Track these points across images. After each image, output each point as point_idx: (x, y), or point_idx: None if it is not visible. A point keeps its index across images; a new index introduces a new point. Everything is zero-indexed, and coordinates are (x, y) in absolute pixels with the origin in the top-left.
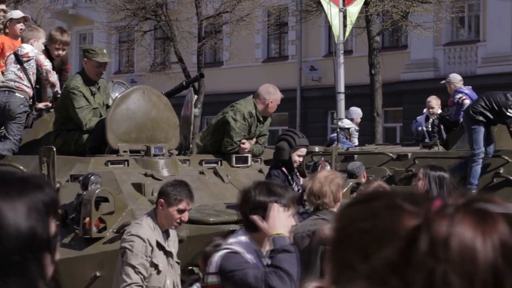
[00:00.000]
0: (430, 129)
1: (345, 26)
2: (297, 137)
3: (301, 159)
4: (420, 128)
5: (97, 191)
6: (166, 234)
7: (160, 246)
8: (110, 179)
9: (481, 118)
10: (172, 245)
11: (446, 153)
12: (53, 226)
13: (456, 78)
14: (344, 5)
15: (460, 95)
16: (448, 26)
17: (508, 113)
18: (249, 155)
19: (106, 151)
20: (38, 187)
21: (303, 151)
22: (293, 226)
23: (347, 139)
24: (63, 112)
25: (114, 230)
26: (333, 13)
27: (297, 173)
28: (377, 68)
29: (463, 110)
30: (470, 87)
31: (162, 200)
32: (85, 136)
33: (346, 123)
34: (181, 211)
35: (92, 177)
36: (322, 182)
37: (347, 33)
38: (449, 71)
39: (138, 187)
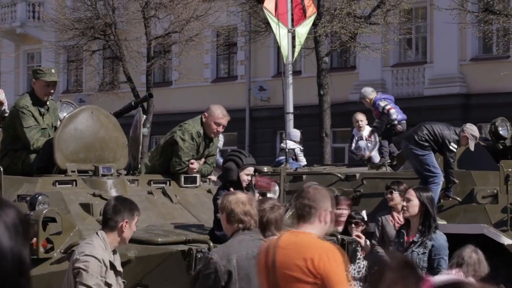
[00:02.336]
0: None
1: (293, 46)
2: (243, 156)
3: (249, 177)
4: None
5: (44, 211)
6: (114, 254)
7: (112, 266)
8: (57, 199)
9: (427, 144)
10: (119, 264)
11: (394, 173)
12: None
13: (368, 91)
14: (292, 26)
15: (382, 103)
16: (396, 48)
17: (450, 147)
18: (198, 175)
19: (54, 171)
20: (12, 208)
21: (250, 170)
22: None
23: (293, 159)
24: (11, 131)
25: (62, 251)
26: (281, 34)
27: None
28: (325, 89)
29: (404, 138)
30: (380, 92)
31: (127, 220)
32: (33, 156)
33: (290, 144)
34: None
35: (40, 197)
36: (246, 202)
37: (295, 54)
38: (397, 92)
39: (86, 207)
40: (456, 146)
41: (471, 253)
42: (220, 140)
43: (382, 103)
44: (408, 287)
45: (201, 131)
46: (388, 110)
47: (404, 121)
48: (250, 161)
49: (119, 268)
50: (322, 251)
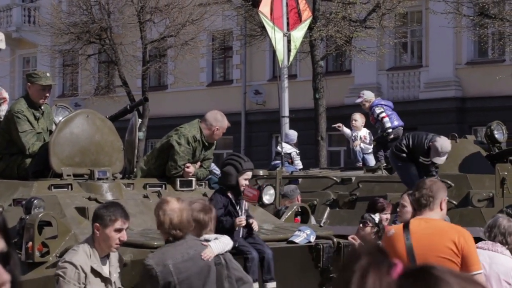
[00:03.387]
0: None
1: (289, 50)
2: (242, 161)
3: (247, 182)
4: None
5: (40, 215)
6: (107, 260)
7: (96, 273)
8: (53, 203)
9: (404, 155)
10: (114, 270)
11: (390, 177)
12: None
13: (368, 94)
14: (288, 29)
15: (378, 110)
16: (391, 52)
17: (420, 160)
18: (193, 179)
19: (49, 175)
20: None
21: (249, 174)
22: None
23: (289, 163)
24: (6, 136)
25: (57, 255)
26: (277, 38)
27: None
28: (321, 93)
29: (391, 149)
30: (380, 98)
31: (97, 224)
32: (28, 160)
33: (286, 148)
34: (118, 231)
35: (35, 201)
36: (176, 210)
37: (291, 58)
38: (393, 96)
39: (82, 211)
40: (426, 159)
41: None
42: None
43: (377, 110)
44: (381, 275)
45: (198, 135)
46: (382, 118)
47: (401, 128)
48: (249, 165)
49: (106, 275)
50: (462, 234)
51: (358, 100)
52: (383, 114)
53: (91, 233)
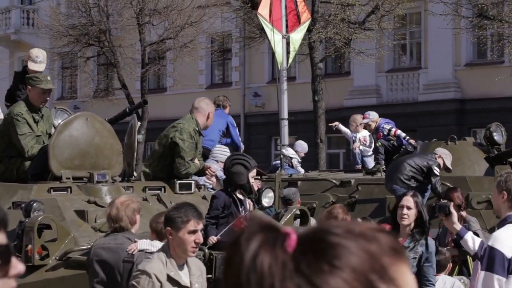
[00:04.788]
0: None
1: (288, 52)
2: (248, 159)
3: (253, 180)
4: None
5: (39, 218)
6: (186, 267)
7: (173, 281)
8: (52, 206)
9: (413, 180)
10: (196, 280)
11: None
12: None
13: (374, 115)
14: (287, 32)
15: (387, 126)
16: (390, 53)
17: (435, 171)
18: (193, 182)
19: (48, 178)
20: None
21: (255, 172)
22: None
23: (289, 166)
24: (5, 139)
25: (57, 258)
26: (276, 40)
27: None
28: (320, 95)
29: (388, 178)
30: (382, 118)
31: (168, 228)
32: (27, 163)
33: (290, 152)
34: (192, 232)
35: (35, 204)
36: (119, 207)
37: (290, 60)
38: (392, 97)
39: (81, 214)
40: (438, 170)
41: None
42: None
43: (387, 126)
44: (275, 253)
45: (196, 128)
46: (394, 133)
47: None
48: (254, 163)
49: (185, 283)
50: None
51: (365, 121)
52: (394, 129)
53: (166, 241)
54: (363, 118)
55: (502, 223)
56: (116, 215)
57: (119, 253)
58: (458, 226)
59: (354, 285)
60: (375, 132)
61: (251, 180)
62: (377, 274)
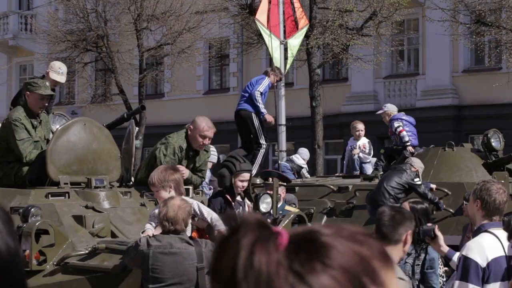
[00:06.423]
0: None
1: (286, 58)
2: (238, 162)
3: (244, 184)
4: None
5: (37, 224)
6: None
7: None
8: (50, 212)
9: (396, 199)
10: None
11: None
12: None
13: (390, 108)
14: (285, 37)
15: (396, 123)
16: (388, 59)
17: (416, 183)
18: (191, 187)
19: (46, 183)
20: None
21: (245, 176)
22: None
23: (294, 175)
24: (3, 144)
25: (55, 263)
26: (274, 46)
27: (244, 199)
28: (318, 101)
29: (369, 202)
30: (403, 113)
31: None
32: (25, 168)
33: (300, 161)
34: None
35: (32, 209)
36: (176, 210)
37: (288, 66)
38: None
39: (79, 220)
40: (419, 179)
41: None
42: (213, 155)
43: (396, 124)
44: (269, 251)
45: (184, 145)
46: (399, 132)
47: (417, 148)
48: (245, 167)
49: None
50: None
51: (379, 112)
52: (400, 128)
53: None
54: (380, 109)
55: (477, 232)
56: (173, 217)
57: (184, 257)
58: (445, 249)
59: (346, 286)
60: (389, 125)
61: (238, 184)
62: (369, 277)
